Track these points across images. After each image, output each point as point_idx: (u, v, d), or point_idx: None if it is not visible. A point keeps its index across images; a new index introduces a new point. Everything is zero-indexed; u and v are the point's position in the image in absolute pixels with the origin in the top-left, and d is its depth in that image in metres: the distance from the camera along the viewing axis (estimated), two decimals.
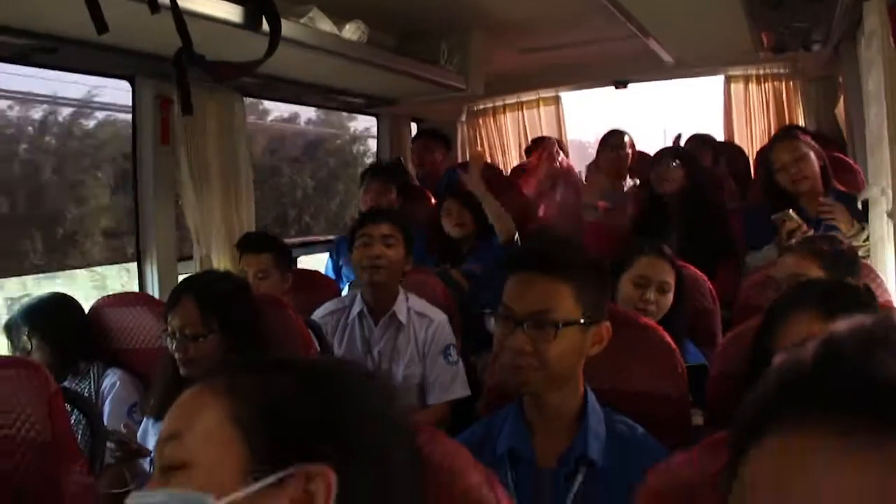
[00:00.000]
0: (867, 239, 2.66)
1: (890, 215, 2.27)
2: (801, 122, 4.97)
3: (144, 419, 2.27)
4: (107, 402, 2.42)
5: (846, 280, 2.07)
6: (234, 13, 2.38)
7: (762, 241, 2.95)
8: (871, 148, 2.60)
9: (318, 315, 2.77)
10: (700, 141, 4.68)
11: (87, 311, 2.70)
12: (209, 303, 2.07)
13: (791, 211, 2.79)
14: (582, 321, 1.48)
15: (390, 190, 3.93)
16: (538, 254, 1.55)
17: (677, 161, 3.34)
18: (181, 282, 2.25)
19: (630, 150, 4.35)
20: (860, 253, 2.57)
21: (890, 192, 2.31)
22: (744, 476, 0.50)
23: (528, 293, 1.50)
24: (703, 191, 3.35)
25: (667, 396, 1.73)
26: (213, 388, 0.84)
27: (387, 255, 2.63)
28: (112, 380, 2.47)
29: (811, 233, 2.73)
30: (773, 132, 4.86)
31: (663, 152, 3.46)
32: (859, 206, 2.70)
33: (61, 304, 2.61)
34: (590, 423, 1.50)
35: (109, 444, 1.96)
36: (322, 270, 3.96)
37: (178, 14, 2.12)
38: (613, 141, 4.35)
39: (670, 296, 2.35)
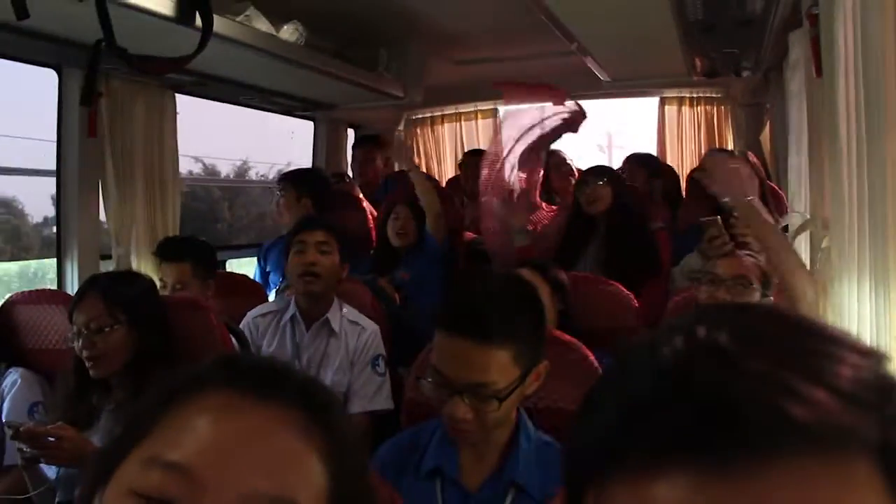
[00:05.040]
0: None
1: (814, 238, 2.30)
2: (731, 146, 5.10)
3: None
4: (6, 401, 2.31)
5: None
6: (165, 6, 2.32)
7: None
8: (793, 174, 2.67)
9: (252, 315, 2.73)
10: (636, 160, 4.74)
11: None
12: (115, 296, 2.02)
13: (719, 219, 2.86)
14: (522, 376, 1.43)
15: (303, 196, 3.77)
16: (472, 320, 1.40)
17: (605, 179, 3.37)
18: (87, 279, 2.17)
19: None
20: None
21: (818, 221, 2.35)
22: None
23: (464, 363, 1.40)
24: (629, 210, 3.39)
25: None
26: (317, 447, 0.63)
27: (322, 263, 2.60)
28: (13, 378, 2.35)
29: (731, 245, 2.80)
30: (703, 154, 4.98)
31: (590, 171, 3.47)
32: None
33: None
34: (521, 446, 1.49)
35: (18, 446, 1.83)
36: (250, 275, 3.88)
37: (101, 1, 2.06)
38: (555, 160, 4.46)
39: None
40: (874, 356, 0.44)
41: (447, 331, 1.42)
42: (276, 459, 0.60)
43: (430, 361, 1.46)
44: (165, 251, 2.87)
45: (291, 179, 3.85)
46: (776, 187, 3.71)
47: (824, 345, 0.43)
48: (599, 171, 3.45)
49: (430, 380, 1.44)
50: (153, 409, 0.63)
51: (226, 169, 9.76)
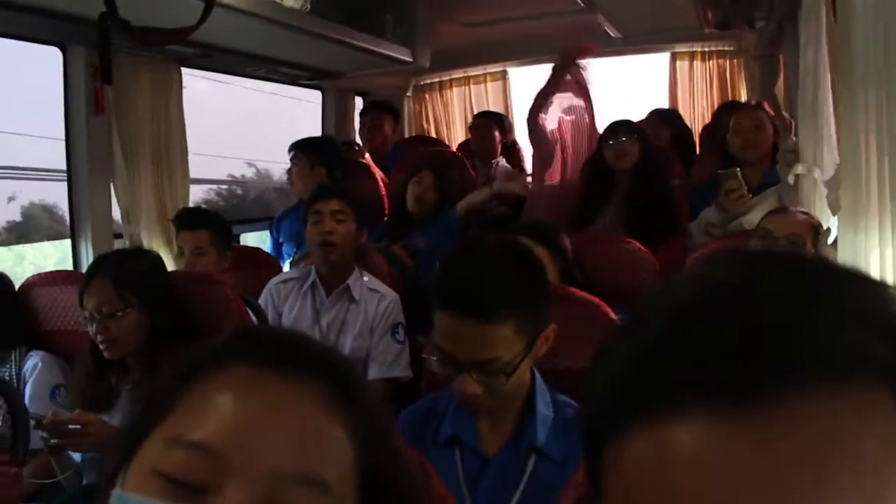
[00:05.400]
0: None
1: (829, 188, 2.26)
2: (744, 99, 5.02)
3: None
4: (28, 385, 2.28)
5: None
6: None
7: None
8: (803, 120, 2.63)
9: (274, 282, 2.77)
10: (660, 117, 4.56)
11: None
12: (123, 278, 2.01)
13: (738, 171, 2.82)
14: (529, 345, 1.40)
15: (316, 165, 3.73)
16: (470, 298, 1.36)
17: (634, 135, 3.29)
18: (93, 262, 2.16)
19: None
20: None
21: (828, 164, 2.30)
22: (612, 474, 0.43)
23: (467, 342, 1.37)
24: (655, 168, 3.32)
25: None
26: (341, 419, 0.61)
27: (338, 231, 2.64)
28: (34, 361, 2.32)
29: (750, 197, 2.76)
30: (715, 108, 4.90)
31: (618, 126, 3.34)
32: (790, 179, 2.71)
33: None
34: (538, 409, 1.47)
35: (42, 435, 1.81)
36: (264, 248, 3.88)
37: None
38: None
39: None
40: (887, 287, 0.43)
41: (444, 310, 1.38)
42: (302, 436, 0.58)
43: (432, 338, 1.44)
44: (184, 220, 2.91)
45: (304, 148, 3.80)
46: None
47: (839, 279, 0.43)
48: (628, 127, 3.33)
49: (435, 357, 1.42)
50: (173, 387, 0.62)
51: (278, 172, 9.91)
